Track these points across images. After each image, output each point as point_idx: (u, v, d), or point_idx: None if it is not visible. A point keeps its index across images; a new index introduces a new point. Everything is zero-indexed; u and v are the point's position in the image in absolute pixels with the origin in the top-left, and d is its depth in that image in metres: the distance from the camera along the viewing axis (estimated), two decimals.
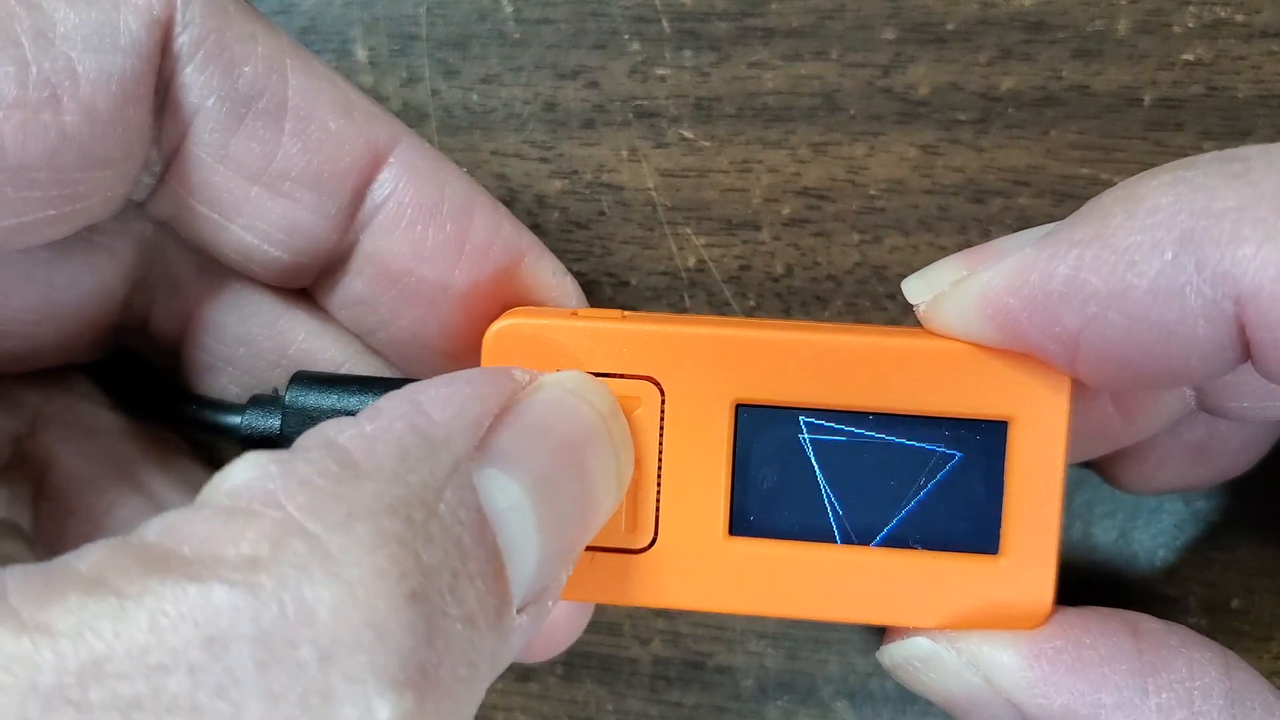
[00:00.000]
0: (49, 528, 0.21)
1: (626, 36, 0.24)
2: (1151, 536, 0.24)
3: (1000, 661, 0.18)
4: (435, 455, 0.14)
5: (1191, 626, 0.19)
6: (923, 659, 0.19)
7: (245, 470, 0.14)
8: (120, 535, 0.13)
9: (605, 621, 0.26)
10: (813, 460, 0.19)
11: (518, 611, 0.15)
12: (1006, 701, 0.18)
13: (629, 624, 0.26)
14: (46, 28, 0.16)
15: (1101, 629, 0.18)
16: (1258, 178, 0.15)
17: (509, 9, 0.24)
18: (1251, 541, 0.24)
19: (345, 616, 0.12)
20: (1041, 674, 0.17)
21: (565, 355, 0.19)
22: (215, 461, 0.24)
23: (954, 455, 0.18)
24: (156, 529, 0.13)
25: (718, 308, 0.25)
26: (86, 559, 0.12)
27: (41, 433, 0.22)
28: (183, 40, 0.18)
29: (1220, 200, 0.15)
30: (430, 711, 0.12)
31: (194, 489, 0.21)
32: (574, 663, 0.26)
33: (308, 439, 0.15)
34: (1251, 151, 0.15)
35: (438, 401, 0.16)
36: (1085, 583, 0.24)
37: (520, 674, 0.27)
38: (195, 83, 0.18)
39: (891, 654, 0.19)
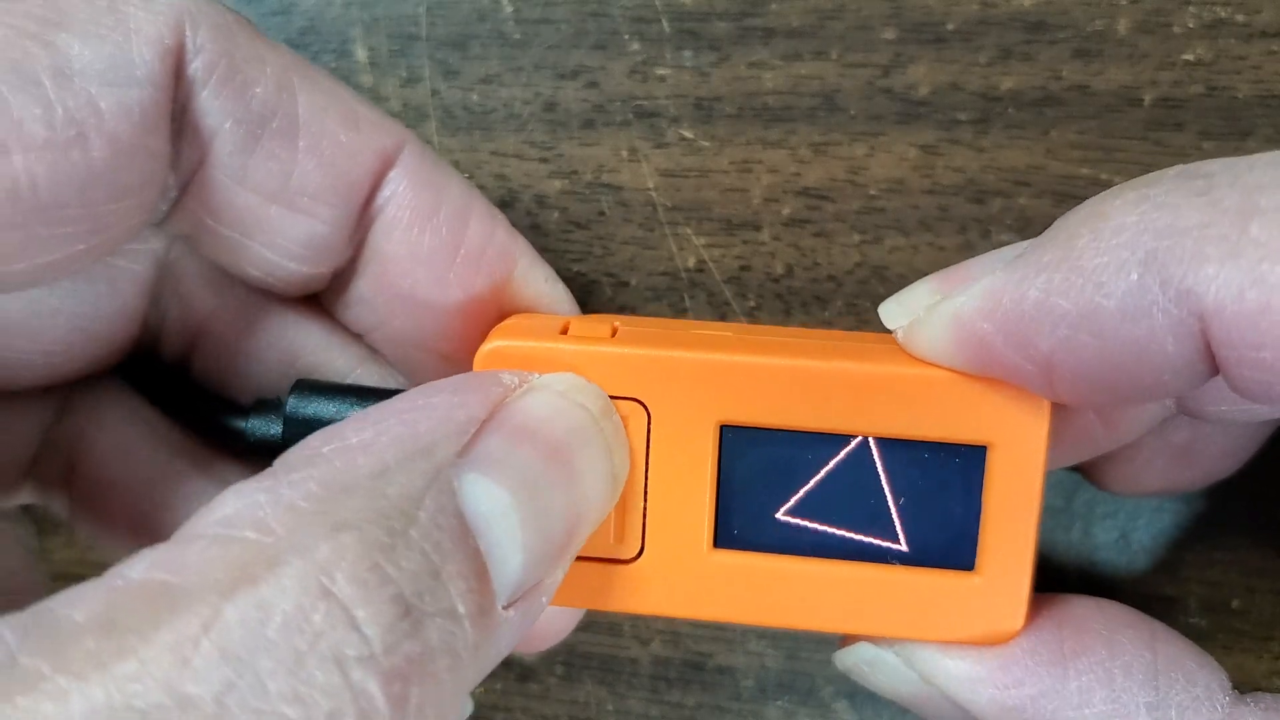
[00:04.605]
0: (90, 511, 0.22)
1: (626, 36, 0.24)
2: (1151, 536, 0.24)
3: (931, 661, 0.19)
4: (415, 464, 0.15)
5: (1192, 626, 0.19)
6: (869, 662, 0.20)
7: (235, 501, 0.15)
8: (106, 574, 0.13)
9: (605, 622, 0.26)
10: (794, 479, 0.19)
11: (505, 608, 0.16)
12: (946, 697, 0.19)
13: (629, 624, 0.26)
14: (64, 65, 0.17)
15: (1028, 623, 0.18)
16: (1220, 195, 0.15)
17: (509, 9, 0.24)
18: (1252, 541, 0.24)
19: (338, 622, 0.13)
20: (967, 670, 0.18)
21: None
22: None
23: (933, 479, 0.19)
24: (143, 565, 0.13)
25: (718, 308, 0.25)
26: (80, 607, 0.13)
27: (69, 420, 0.22)
28: (195, 66, 0.18)
29: (1184, 219, 0.15)
30: (416, 694, 0.14)
31: (230, 460, 0.22)
32: (574, 663, 0.26)
33: (292, 456, 0.16)
34: (1214, 168, 0.15)
35: (423, 410, 0.16)
36: (1086, 583, 0.25)
37: (520, 674, 0.27)
38: (211, 107, 0.18)
39: (843, 658, 0.20)
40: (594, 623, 0.26)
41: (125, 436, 0.22)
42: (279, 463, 0.15)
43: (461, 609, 0.15)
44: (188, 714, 0.12)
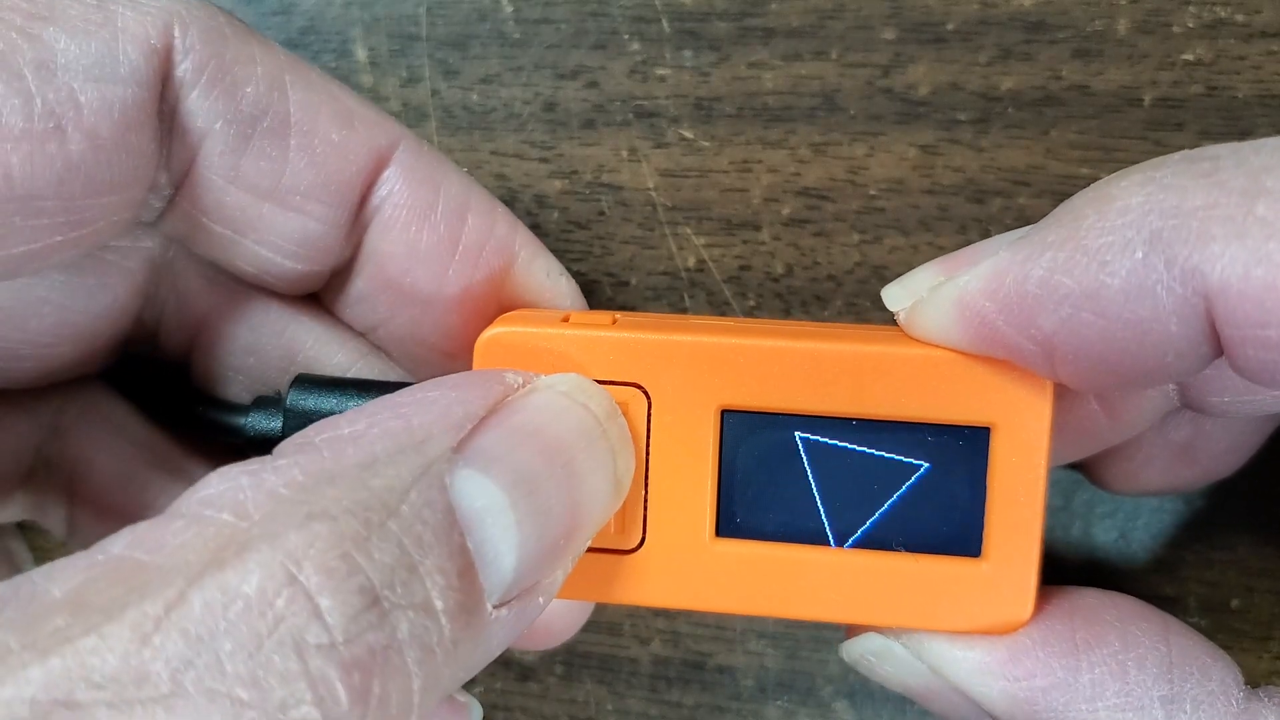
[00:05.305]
0: (90, 527, 0.22)
1: (626, 36, 0.24)
2: (1151, 536, 0.24)
3: (941, 652, 0.18)
4: (405, 458, 0.15)
5: (1191, 626, 0.19)
6: (876, 653, 0.19)
7: (219, 483, 0.15)
8: (91, 548, 0.14)
9: (605, 621, 0.26)
10: (798, 464, 0.19)
11: (496, 606, 0.15)
12: (956, 689, 0.18)
13: (629, 624, 0.26)
14: (48, 59, 0.17)
15: (1038, 614, 0.18)
16: (1226, 177, 0.15)
17: (509, 9, 0.24)
18: (1251, 541, 0.24)
19: (300, 608, 0.13)
20: (978, 661, 0.18)
21: (553, 363, 0.19)
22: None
23: (936, 461, 0.18)
24: (124, 541, 0.14)
25: (718, 308, 0.25)
26: (59, 582, 0.13)
27: (65, 437, 0.22)
28: (184, 67, 0.18)
29: (1189, 199, 0.15)
30: (379, 686, 0.14)
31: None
32: (574, 663, 0.26)
33: (286, 444, 0.16)
34: (1220, 151, 0.15)
35: (420, 405, 0.16)
36: (1086, 582, 0.24)
37: (520, 674, 0.27)
38: (201, 108, 0.18)
39: (849, 649, 0.20)
40: (594, 622, 0.26)
41: (119, 451, 0.22)
42: (275, 451, 0.15)
43: (439, 604, 0.14)
44: (143, 689, 0.12)
